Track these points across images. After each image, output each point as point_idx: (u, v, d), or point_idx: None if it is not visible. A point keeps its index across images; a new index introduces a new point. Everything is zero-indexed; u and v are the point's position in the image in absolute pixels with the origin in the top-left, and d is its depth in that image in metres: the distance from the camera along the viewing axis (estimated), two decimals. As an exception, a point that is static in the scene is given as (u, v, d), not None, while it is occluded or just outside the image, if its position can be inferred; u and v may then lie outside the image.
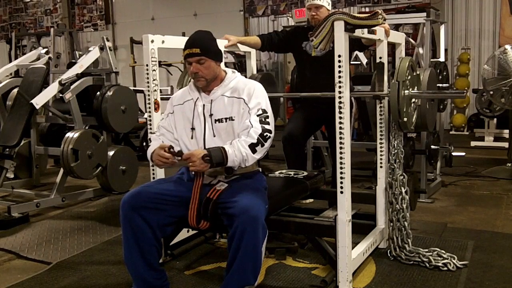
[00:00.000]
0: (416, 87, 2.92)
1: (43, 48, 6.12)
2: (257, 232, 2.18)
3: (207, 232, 3.27)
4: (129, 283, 2.56)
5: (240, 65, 8.07)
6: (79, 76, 4.45)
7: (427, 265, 2.81)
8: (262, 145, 2.35)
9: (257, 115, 2.38)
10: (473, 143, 7.35)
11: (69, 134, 4.20)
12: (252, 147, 2.32)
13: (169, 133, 2.55)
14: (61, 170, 4.35)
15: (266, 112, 2.41)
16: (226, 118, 2.44)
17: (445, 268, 2.77)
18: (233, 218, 2.19)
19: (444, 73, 4.49)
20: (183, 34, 6.38)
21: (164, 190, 2.40)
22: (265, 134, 2.35)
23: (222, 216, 2.29)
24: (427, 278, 2.69)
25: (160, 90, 2.97)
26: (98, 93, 4.39)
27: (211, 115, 2.46)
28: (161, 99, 2.95)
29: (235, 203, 2.21)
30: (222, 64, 2.57)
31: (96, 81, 4.55)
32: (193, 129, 2.48)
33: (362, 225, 3.03)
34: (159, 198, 2.36)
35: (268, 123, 2.39)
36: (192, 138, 2.48)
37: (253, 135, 2.34)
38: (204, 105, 2.48)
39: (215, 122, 2.45)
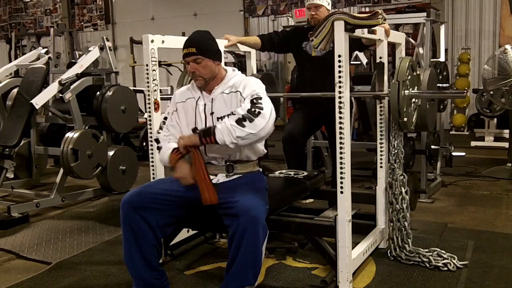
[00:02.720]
0: (416, 87, 2.92)
1: (43, 48, 6.11)
2: (258, 232, 2.17)
3: (207, 232, 3.27)
4: (129, 283, 2.56)
5: (240, 65, 8.06)
6: (79, 76, 4.45)
7: (427, 265, 2.81)
8: (251, 120, 2.27)
9: (250, 99, 2.34)
10: (473, 143, 7.35)
11: (69, 134, 4.20)
12: (239, 122, 2.27)
13: (176, 132, 2.54)
14: (61, 170, 4.35)
15: (260, 98, 2.35)
16: (227, 115, 2.43)
17: (445, 268, 2.77)
18: (234, 218, 2.18)
19: (444, 73, 4.49)
20: (183, 34, 6.37)
21: (164, 190, 2.40)
22: (253, 109, 2.29)
23: (223, 216, 2.29)
24: (427, 278, 2.69)
25: (160, 90, 2.97)
26: (98, 93, 4.39)
27: (212, 113, 2.46)
28: (161, 99, 2.95)
29: (236, 203, 2.21)
30: (223, 64, 2.57)
31: (96, 81, 4.55)
32: (196, 128, 2.48)
33: (362, 225, 3.03)
34: (159, 198, 2.35)
35: (260, 103, 2.31)
36: None
37: (239, 112, 2.30)
38: (205, 104, 2.48)
39: (217, 120, 2.45)
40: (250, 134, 2.27)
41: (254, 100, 2.33)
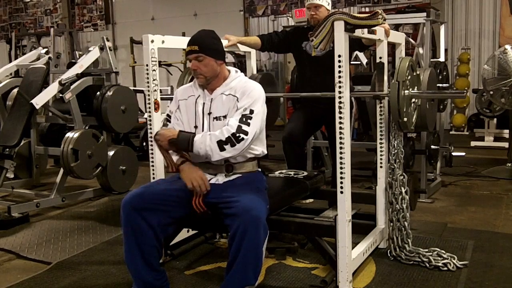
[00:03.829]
0: (416, 87, 2.92)
1: (43, 48, 6.11)
2: (259, 232, 2.17)
3: (207, 232, 3.27)
4: (129, 283, 2.56)
5: (240, 65, 8.06)
6: (79, 76, 4.45)
7: (427, 265, 2.81)
8: (233, 145, 2.29)
9: (242, 114, 2.35)
10: (473, 143, 7.35)
11: (69, 134, 4.20)
12: (220, 145, 2.29)
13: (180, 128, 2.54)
14: (61, 170, 4.35)
15: (252, 113, 2.35)
16: (223, 116, 2.44)
17: (445, 268, 2.77)
18: (234, 218, 2.18)
19: (444, 73, 4.49)
20: (183, 34, 6.38)
21: (165, 190, 2.40)
22: (238, 134, 2.30)
23: (223, 216, 2.29)
24: (427, 278, 2.69)
25: (160, 90, 2.97)
26: (98, 93, 4.39)
27: (209, 113, 2.46)
28: (161, 99, 2.95)
29: (237, 203, 2.21)
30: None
31: (96, 81, 4.55)
32: (196, 127, 2.49)
33: (362, 225, 3.03)
34: (160, 199, 2.35)
35: (248, 124, 2.32)
36: None
37: (224, 133, 2.31)
38: (204, 103, 2.49)
39: (213, 120, 2.45)
40: (227, 157, 2.34)
41: (244, 119, 2.33)
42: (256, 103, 2.39)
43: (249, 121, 2.33)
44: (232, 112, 2.39)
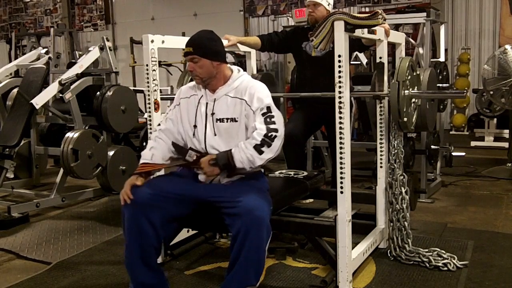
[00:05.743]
0: (416, 87, 2.92)
1: (43, 48, 6.12)
2: (262, 233, 2.17)
3: (207, 232, 3.27)
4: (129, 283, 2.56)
5: (240, 65, 8.03)
6: (79, 76, 4.45)
7: (427, 265, 2.82)
8: (269, 145, 2.31)
9: (262, 115, 2.36)
10: (473, 143, 7.35)
11: (69, 134, 4.20)
12: (258, 148, 2.30)
13: (174, 127, 2.54)
14: (61, 170, 4.35)
15: (271, 111, 2.37)
16: (228, 119, 2.43)
17: (445, 268, 2.78)
18: (237, 218, 2.18)
19: (444, 73, 4.49)
20: (183, 34, 6.37)
21: (166, 188, 2.39)
22: (270, 134, 2.31)
23: (224, 215, 2.28)
24: (427, 278, 2.69)
25: (160, 90, 2.97)
26: (98, 93, 4.39)
27: (212, 113, 2.46)
28: (161, 99, 2.95)
29: (239, 202, 2.19)
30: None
31: (96, 81, 4.55)
32: (195, 126, 2.48)
33: (362, 225, 3.03)
34: (162, 196, 2.34)
35: (273, 122, 2.34)
36: (194, 135, 2.48)
37: (256, 137, 2.31)
38: (207, 103, 2.48)
39: (217, 121, 2.44)
40: (269, 158, 2.34)
41: (268, 119, 2.35)
42: (266, 100, 2.40)
43: (273, 119, 2.35)
44: (250, 117, 2.39)
